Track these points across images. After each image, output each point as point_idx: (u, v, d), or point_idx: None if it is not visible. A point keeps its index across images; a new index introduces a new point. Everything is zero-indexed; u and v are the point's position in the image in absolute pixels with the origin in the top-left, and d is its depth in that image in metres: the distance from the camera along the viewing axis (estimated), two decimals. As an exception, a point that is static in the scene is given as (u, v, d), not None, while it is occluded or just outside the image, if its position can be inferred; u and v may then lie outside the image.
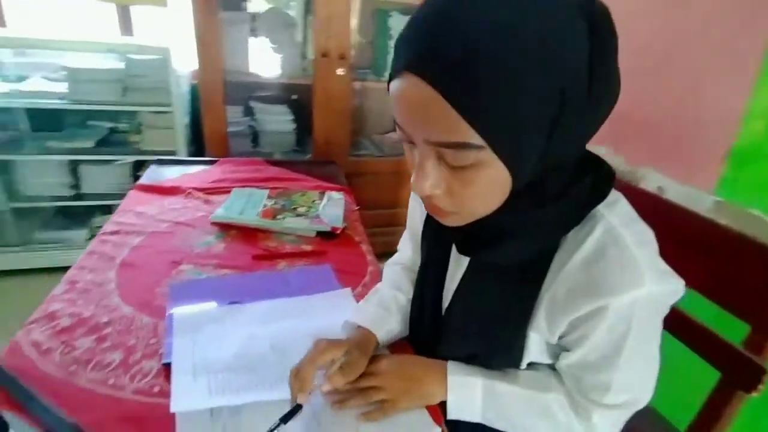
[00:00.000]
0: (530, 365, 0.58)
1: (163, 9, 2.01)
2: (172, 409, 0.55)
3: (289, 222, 1.05)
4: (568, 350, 0.53)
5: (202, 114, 1.85)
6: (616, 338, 0.48)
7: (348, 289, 0.83)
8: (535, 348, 0.55)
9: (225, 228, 1.04)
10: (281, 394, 0.56)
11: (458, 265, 0.60)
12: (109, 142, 2.03)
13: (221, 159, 1.48)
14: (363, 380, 0.60)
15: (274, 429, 0.52)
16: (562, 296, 0.49)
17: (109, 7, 2.05)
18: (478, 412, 0.58)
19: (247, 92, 2.07)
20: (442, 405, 0.60)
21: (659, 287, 0.46)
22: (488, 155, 0.40)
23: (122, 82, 1.86)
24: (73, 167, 1.98)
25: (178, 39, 1.85)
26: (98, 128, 2.07)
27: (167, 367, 0.62)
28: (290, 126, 2.08)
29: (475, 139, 0.39)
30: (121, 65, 1.84)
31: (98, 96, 1.85)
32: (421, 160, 0.44)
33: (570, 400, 0.55)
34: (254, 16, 1.89)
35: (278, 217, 1.06)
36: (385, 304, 0.71)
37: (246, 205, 1.10)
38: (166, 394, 0.58)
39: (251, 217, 1.05)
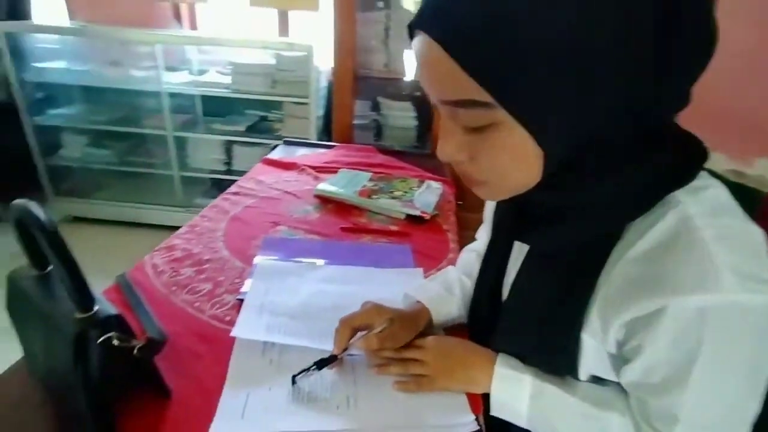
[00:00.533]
0: (596, 382, 0.50)
1: (315, 13, 2.25)
2: (232, 333, 0.61)
3: (383, 202, 1.08)
4: (629, 363, 0.44)
5: (333, 106, 2.01)
6: (682, 355, 0.38)
7: (420, 269, 0.83)
8: (592, 356, 0.47)
9: (324, 201, 1.12)
10: (327, 346, 0.59)
11: (520, 254, 0.55)
12: (257, 128, 2.34)
13: (339, 145, 1.59)
14: (407, 351, 0.59)
15: (309, 371, 0.54)
16: (616, 292, 0.41)
17: (271, 12, 2.38)
18: (523, 412, 0.52)
19: (377, 88, 2.18)
20: (486, 399, 0.55)
21: (751, 296, 0.35)
22: (503, 116, 0.36)
23: (272, 76, 2.13)
24: (228, 147, 2.34)
25: (323, 39, 2.03)
26: (251, 116, 2.40)
27: (241, 303, 0.69)
28: (412, 122, 2.13)
29: (483, 95, 0.36)
30: (273, 61, 2.11)
31: (253, 87, 2.15)
32: (442, 123, 0.42)
33: (636, 429, 0.46)
34: (389, 16, 1.99)
35: (374, 197, 1.10)
36: (448, 285, 0.68)
37: (348, 184, 1.17)
38: (233, 323, 0.65)
39: (349, 194, 1.11)
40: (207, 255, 0.84)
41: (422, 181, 1.22)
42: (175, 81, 2.20)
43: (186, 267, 0.79)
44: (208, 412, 0.51)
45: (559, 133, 0.37)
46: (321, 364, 0.55)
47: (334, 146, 1.57)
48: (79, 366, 0.44)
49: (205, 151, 2.37)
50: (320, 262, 0.83)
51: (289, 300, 0.70)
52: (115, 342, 0.45)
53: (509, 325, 0.55)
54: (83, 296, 0.45)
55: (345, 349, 0.58)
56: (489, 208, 0.69)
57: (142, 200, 2.41)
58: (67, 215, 2.46)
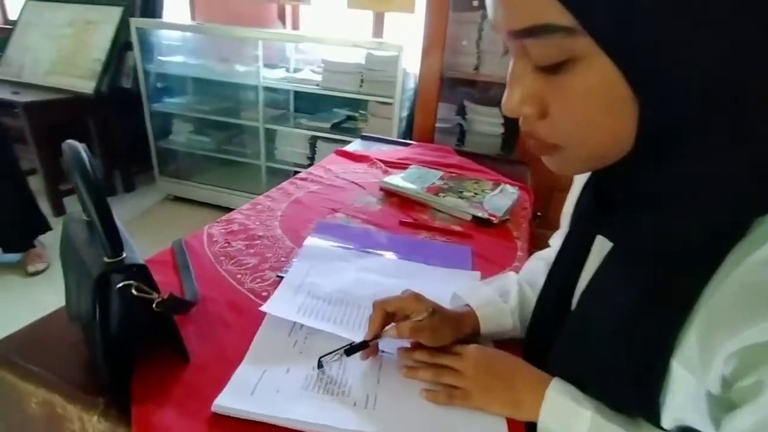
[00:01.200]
0: None
1: (411, 15, 2.24)
2: (262, 308, 0.58)
3: (449, 200, 1.00)
4: (736, 409, 0.32)
5: (416, 107, 1.97)
6: None
7: (477, 273, 0.74)
8: (682, 395, 0.35)
9: (389, 195, 1.07)
10: (356, 337, 0.53)
11: (600, 255, 0.44)
12: (342, 126, 2.39)
13: (415, 143, 1.54)
14: (443, 357, 0.52)
15: (336, 354, 0.50)
16: (729, 308, 0.30)
17: (368, 14, 2.42)
18: None
19: (464, 92, 2.11)
20: (530, 429, 0.46)
21: None
22: (585, 46, 0.28)
23: (361, 75, 2.16)
24: (312, 142, 2.42)
25: (415, 40, 2.01)
26: (338, 114, 2.46)
27: (280, 280, 0.67)
28: (498, 129, 2.02)
29: (561, 17, 0.28)
30: (363, 60, 2.13)
31: (341, 85, 2.20)
32: (511, 68, 0.34)
33: None
34: (484, 16, 1.90)
35: (441, 194, 1.03)
36: (504, 292, 0.59)
37: (416, 180, 1.11)
38: (268, 299, 0.62)
39: (415, 189, 1.05)
40: (261, 231, 0.83)
41: (497, 185, 1.12)
42: (272, 77, 2.33)
43: (238, 240, 0.79)
44: (222, 383, 0.48)
45: (661, 72, 0.28)
46: (350, 350, 0.50)
47: (410, 144, 1.53)
48: (98, 309, 0.43)
49: (292, 144, 2.47)
50: (370, 251, 0.78)
51: (329, 284, 0.66)
52: (134, 291, 0.43)
53: (573, 341, 0.45)
54: (112, 241, 0.44)
55: (377, 337, 0.52)
56: (569, 204, 0.58)
57: (232, 186, 2.58)
58: (169, 194, 2.72)
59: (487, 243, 0.88)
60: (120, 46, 2.46)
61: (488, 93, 2.07)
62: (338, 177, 1.16)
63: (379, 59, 2.10)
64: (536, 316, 0.55)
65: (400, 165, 1.27)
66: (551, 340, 0.48)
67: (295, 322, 0.57)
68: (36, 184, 2.75)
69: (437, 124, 2.01)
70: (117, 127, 2.61)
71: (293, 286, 0.65)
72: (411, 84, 2.21)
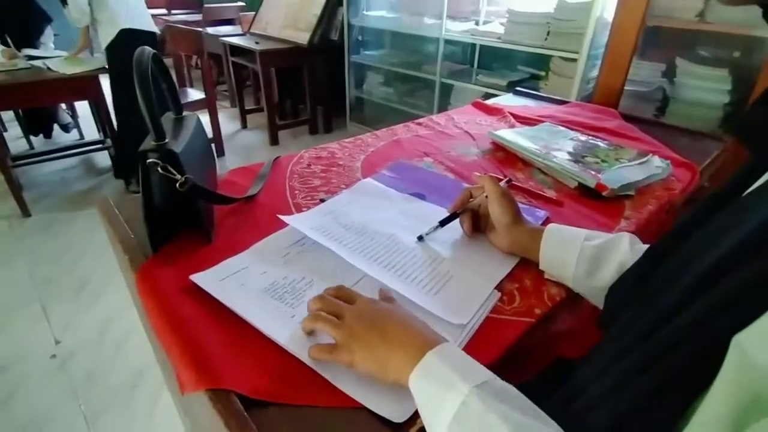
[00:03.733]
0: None
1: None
2: (281, 216, 0.63)
3: (558, 162, 0.84)
4: None
5: (602, 63, 1.66)
6: None
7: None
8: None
9: (497, 148, 0.97)
10: (359, 264, 0.54)
11: None
12: (519, 86, 2.20)
13: (573, 102, 1.32)
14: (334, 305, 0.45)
15: (434, 230, 0.62)
16: None
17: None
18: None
19: (677, 46, 1.66)
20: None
21: None
22: None
23: (548, 26, 1.92)
24: (485, 99, 2.31)
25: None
26: (520, 72, 2.27)
27: (321, 203, 0.71)
28: (722, 97, 1.54)
29: None
30: (551, 9, 1.88)
31: (525, 38, 2.01)
32: None
33: None
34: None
35: (552, 153, 0.88)
36: (604, 247, 0.52)
37: (536, 137, 0.97)
38: (301, 213, 0.67)
39: (521, 145, 0.92)
40: (342, 161, 0.88)
41: (644, 155, 0.89)
42: (455, 29, 2.28)
43: (319, 165, 0.86)
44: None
45: None
46: (443, 221, 0.63)
47: (566, 103, 1.32)
48: (141, 179, 0.55)
49: (465, 100, 2.41)
50: (429, 198, 0.74)
51: (359, 216, 0.66)
52: (159, 170, 0.53)
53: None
54: (156, 129, 0.55)
55: (465, 210, 0.63)
56: None
57: (404, 138, 2.71)
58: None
59: (577, 215, 0.72)
60: (334, 1, 2.78)
61: (712, 49, 1.58)
62: (456, 126, 1.10)
63: (570, 6, 1.82)
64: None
65: (534, 121, 1.12)
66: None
67: (300, 239, 0.60)
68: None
69: (630, 87, 1.65)
70: (323, 74, 3.01)
71: (326, 210, 0.67)
72: (606, 37, 1.85)
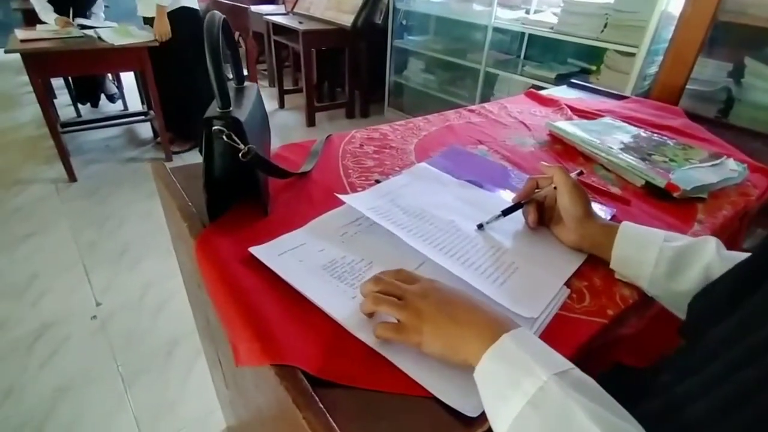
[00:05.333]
0: None
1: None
2: (341, 196, 0.61)
3: (624, 158, 0.80)
4: None
5: (664, 59, 1.57)
6: None
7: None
8: None
9: (555, 141, 0.93)
10: (420, 247, 0.52)
11: None
12: (567, 79, 2.11)
13: (632, 97, 1.26)
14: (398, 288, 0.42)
15: (496, 219, 0.59)
16: None
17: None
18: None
19: (746, 45, 1.55)
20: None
21: None
22: None
23: (606, 17, 1.83)
24: (530, 92, 2.24)
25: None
26: (571, 65, 2.19)
27: (377, 183, 0.69)
28: (791, 102, 1.44)
29: None
30: (611, 0, 1.79)
31: (579, 29, 1.92)
32: None
33: None
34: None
35: (617, 149, 0.83)
36: (689, 250, 0.49)
37: (596, 131, 0.92)
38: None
39: (583, 138, 0.87)
40: (395, 144, 0.85)
41: (717, 156, 0.83)
42: (505, 17, 2.21)
43: (371, 146, 0.84)
44: (273, 239, 0.55)
45: None
46: (506, 211, 0.60)
47: (625, 98, 1.25)
48: (204, 145, 0.54)
49: (509, 91, 2.35)
50: (485, 186, 0.71)
51: (415, 199, 0.64)
52: (224, 138, 0.53)
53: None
54: (222, 97, 0.54)
55: (527, 201, 0.60)
56: None
57: (442, 127, 2.66)
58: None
59: (645, 215, 0.68)
60: (380, -17, 2.74)
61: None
62: (510, 115, 1.06)
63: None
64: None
65: (592, 115, 1.07)
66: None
67: (357, 219, 0.59)
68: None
69: (690, 86, 1.56)
70: (364, 58, 2.98)
71: (382, 191, 0.66)
72: (670, 32, 1.75)
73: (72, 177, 2.39)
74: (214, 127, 0.53)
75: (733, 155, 0.87)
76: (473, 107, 1.10)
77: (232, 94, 0.62)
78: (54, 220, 2.09)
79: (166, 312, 1.59)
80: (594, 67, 2.10)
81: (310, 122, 3.07)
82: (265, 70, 3.97)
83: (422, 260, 0.52)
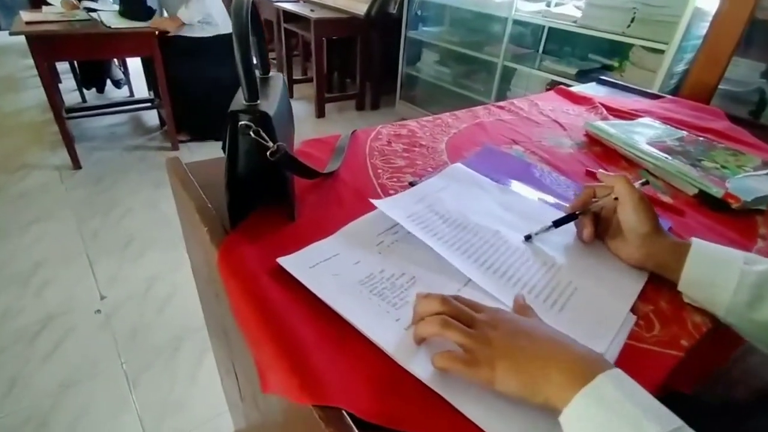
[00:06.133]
0: None
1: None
2: (374, 201, 0.56)
3: (673, 164, 0.74)
4: None
5: (695, 57, 1.50)
6: None
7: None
8: None
9: (593, 142, 0.87)
10: (464, 268, 0.47)
11: None
12: (590, 76, 2.05)
13: (668, 97, 1.19)
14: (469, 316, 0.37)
15: (546, 230, 0.54)
16: None
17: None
18: None
19: (786, 45, 1.48)
20: None
21: None
22: None
23: (633, 11, 1.76)
24: (550, 88, 2.16)
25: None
26: (592, 61, 2.11)
27: (410, 187, 0.63)
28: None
29: None
30: (642, -8, 1.72)
31: (603, 24, 1.85)
32: None
33: None
34: None
35: (664, 154, 0.77)
36: (756, 260, 0.44)
37: (638, 133, 0.86)
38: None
39: (627, 140, 0.81)
40: (425, 142, 0.80)
41: (770, 165, 0.77)
42: (526, 9, 2.13)
43: (400, 143, 0.78)
44: (303, 247, 0.49)
45: None
46: (558, 222, 0.55)
47: (661, 97, 1.19)
48: (228, 140, 0.49)
49: (527, 86, 2.28)
50: (523, 189, 0.66)
51: (455, 205, 0.59)
52: (251, 134, 0.47)
53: None
54: (250, 88, 0.48)
55: (586, 211, 0.54)
56: None
57: (456, 121, 2.60)
58: (404, 118, 2.94)
59: (702, 228, 0.62)
60: (396, -28, 2.65)
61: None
62: (541, 113, 1.00)
63: (664, -8, 1.65)
64: None
65: (629, 115, 1.01)
66: None
67: (393, 226, 0.53)
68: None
69: (723, 86, 1.49)
70: (376, 49, 2.91)
71: (418, 195, 0.60)
72: (701, 29, 1.68)
73: (76, 164, 2.34)
74: (240, 122, 0.47)
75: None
76: (502, 104, 1.04)
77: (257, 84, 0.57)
78: (58, 207, 2.04)
79: (172, 306, 1.55)
80: (616, 64, 2.03)
81: (320, 113, 3.01)
82: (273, 58, 3.89)
83: (469, 276, 0.47)
